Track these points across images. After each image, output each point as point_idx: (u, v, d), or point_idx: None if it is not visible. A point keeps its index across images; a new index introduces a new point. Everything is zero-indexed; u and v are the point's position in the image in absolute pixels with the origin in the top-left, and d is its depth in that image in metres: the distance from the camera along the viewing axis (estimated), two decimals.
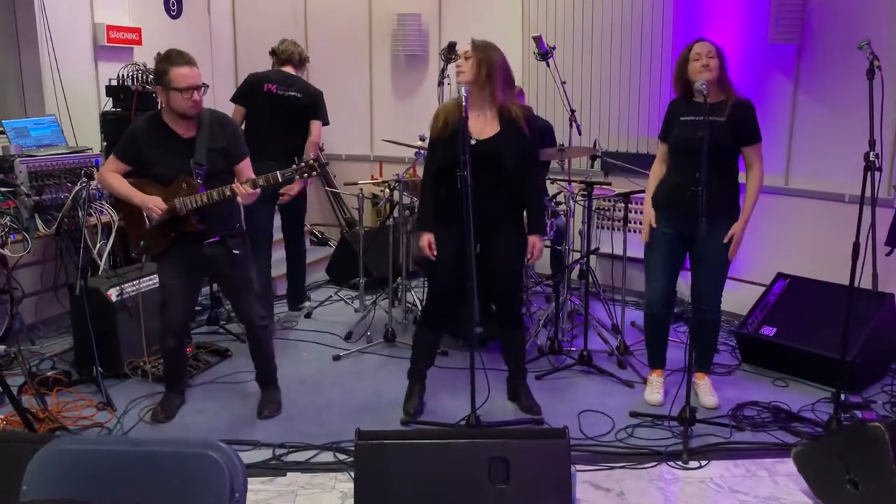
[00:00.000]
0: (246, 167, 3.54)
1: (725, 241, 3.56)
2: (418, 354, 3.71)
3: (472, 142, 3.15)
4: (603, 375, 4.17)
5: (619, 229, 5.35)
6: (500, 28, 6.07)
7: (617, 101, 5.62)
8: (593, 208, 4.62)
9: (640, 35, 5.41)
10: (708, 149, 3.23)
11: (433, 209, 3.48)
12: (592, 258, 4.65)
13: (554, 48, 5.04)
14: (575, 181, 4.44)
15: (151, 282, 4.22)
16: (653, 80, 5.41)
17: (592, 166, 4.93)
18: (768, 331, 4.26)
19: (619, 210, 5.24)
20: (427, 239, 3.46)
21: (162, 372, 3.86)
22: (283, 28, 6.73)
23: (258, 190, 3.32)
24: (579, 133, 5.22)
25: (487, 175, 3.27)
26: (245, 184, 3.30)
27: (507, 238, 3.51)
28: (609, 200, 5.44)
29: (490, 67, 3.35)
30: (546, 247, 5.24)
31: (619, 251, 4.82)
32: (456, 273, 3.45)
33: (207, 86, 3.39)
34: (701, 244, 3.31)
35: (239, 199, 3.34)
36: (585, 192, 4.16)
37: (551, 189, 5.10)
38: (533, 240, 3.53)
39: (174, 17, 6.10)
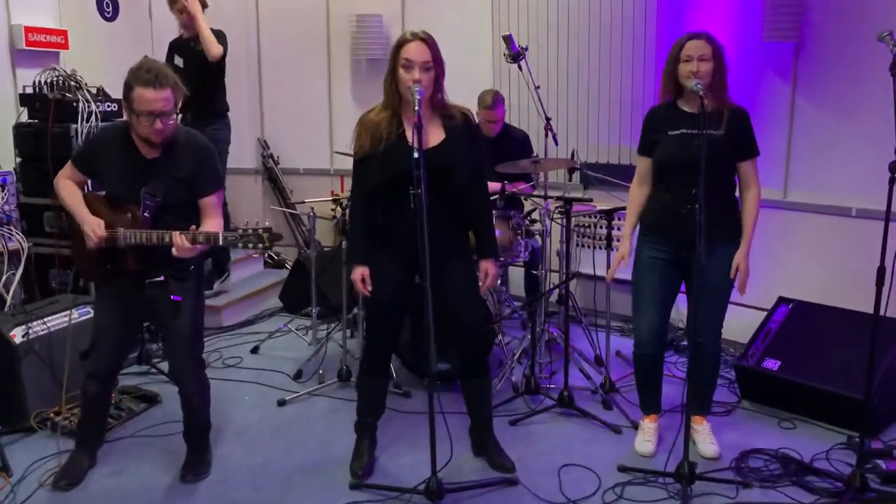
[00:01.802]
0: (212, 207, 2.95)
1: (732, 275, 3.06)
2: (364, 405, 3.17)
3: (416, 154, 2.62)
4: (586, 419, 3.64)
5: (601, 248, 4.84)
6: (468, 28, 5.59)
7: (596, 108, 5.13)
8: (573, 226, 4.12)
9: (621, 34, 4.92)
10: (707, 163, 2.74)
11: (366, 237, 2.95)
12: (572, 281, 4.14)
13: (526, 49, 4.54)
14: (551, 197, 3.91)
15: (65, 318, 3.65)
16: (635, 83, 4.92)
17: (571, 179, 4.42)
18: (771, 364, 3.76)
19: (602, 227, 4.73)
20: (360, 273, 2.94)
21: (76, 424, 3.29)
22: (232, 31, 6.16)
23: (196, 247, 2.76)
24: (556, 143, 4.72)
25: (436, 190, 2.74)
26: (184, 234, 2.74)
27: (459, 267, 2.99)
28: (590, 217, 4.93)
29: (440, 64, 2.84)
30: (519, 267, 4.72)
31: (601, 272, 4.29)
32: (397, 310, 2.98)
33: (177, 114, 2.84)
34: (699, 270, 2.82)
35: (174, 250, 2.75)
36: (563, 210, 3.63)
37: (525, 206, 4.59)
38: (486, 265, 3.03)
39: (109, 20, 5.52)
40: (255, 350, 4.67)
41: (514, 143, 4.70)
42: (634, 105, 4.95)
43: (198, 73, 4.98)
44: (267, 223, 2.77)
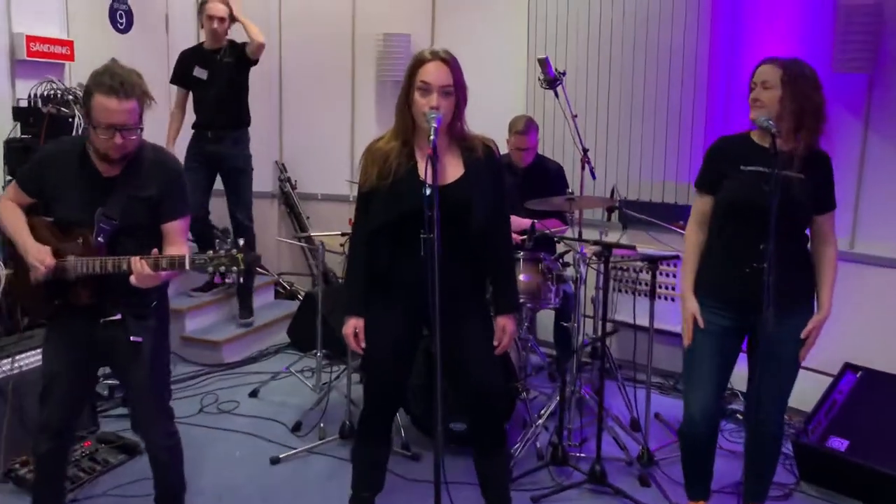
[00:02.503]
0: (177, 234, 2.53)
1: (803, 335, 2.57)
2: (359, 479, 2.71)
3: (429, 191, 2.20)
4: (621, 498, 3.15)
5: (642, 294, 4.37)
6: (501, 49, 5.19)
7: (639, 141, 4.67)
8: (611, 269, 3.66)
9: (669, 60, 4.47)
10: (781, 212, 2.27)
11: (365, 284, 2.52)
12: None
13: (564, 74, 4.12)
14: (587, 241, 3.45)
15: (38, 357, 3.27)
16: (683, 115, 4.46)
17: (609, 219, 3.96)
18: (838, 443, 3.24)
19: (644, 272, 4.25)
20: (353, 326, 2.51)
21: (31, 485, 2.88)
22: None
23: (160, 273, 2.36)
24: (593, 177, 4.28)
25: (450, 234, 2.33)
26: (145, 259, 2.34)
27: (475, 322, 2.55)
28: (631, 268, 4.46)
29: (462, 89, 2.42)
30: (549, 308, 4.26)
31: (642, 321, 3.82)
32: (398, 369, 2.55)
33: (141, 129, 2.45)
34: (765, 339, 2.35)
35: (132, 278, 2.35)
36: (601, 256, 3.18)
37: (557, 247, 4.14)
38: (503, 322, 2.58)
39: (122, 31, 5.22)
40: (253, 394, 4.25)
41: (547, 176, 4.26)
42: (682, 138, 4.49)
43: (228, 85, 4.80)
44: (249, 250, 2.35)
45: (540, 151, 4.42)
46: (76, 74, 4.77)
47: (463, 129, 2.47)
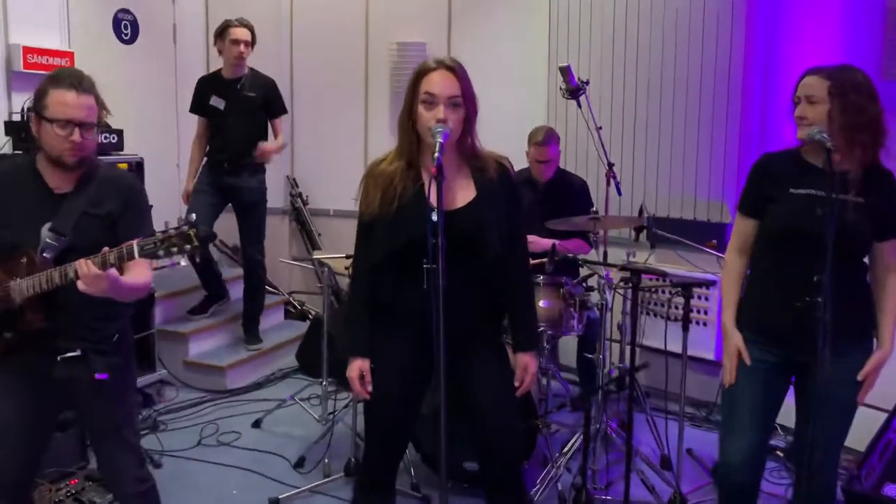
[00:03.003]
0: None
1: (860, 377, 2.26)
2: None
3: (436, 217, 1.94)
4: None
5: (674, 318, 4.08)
6: (521, 58, 4.95)
7: (668, 154, 4.37)
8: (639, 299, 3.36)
9: (700, 67, 4.18)
10: (837, 240, 1.98)
11: (369, 323, 2.25)
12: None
13: (587, 83, 3.87)
14: (614, 266, 3.16)
15: None
16: (716, 124, 4.16)
17: (637, 238, 3.67)
18: (893, 491, 2.91)
19: (673, 294, 3.95)
20: (358, 368, 2.23)
21: None
22: (264, 60, 5.64)
23: (110, 272, 2.06)
24: (619, 193, 4.02)
25: (461, 263, 2.08)
26: (93, 259, 2.05)
27: (489, 359, 2.27)
28: (660, 290, 4.17)
29: (471, 100, 2.16)
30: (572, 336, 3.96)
31: (674, 347, 3.51)
32: (404, 414, 2.28)
33: (97, 126, 2.23)
34: (819, 381, 2.05)
35: (79, 283, 2.04)
36: (630, 282, 2.89)
37: (580, 269, 3.85)
38: (525, 360, 2.30)
39: (127, 42, 5.04)
40: (256, 424, 4.00)
41: (570, 193, 3.98)
42: (714, 151, 4.19)
43: (248, 116, 4.56)
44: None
45: (562, 165, 4.15)
46: None
47: (474, 146, 2.21)
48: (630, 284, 2.86)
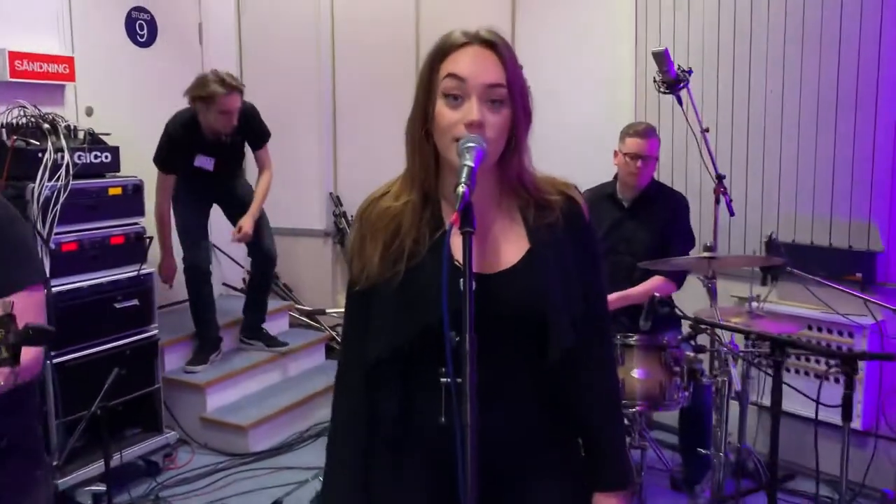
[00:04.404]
0: (23, 312, 1.50)
1: None
2: None
3: (463, 285, 1.15)
4: None
5: (811, 374, 3.14)
6: (601, 48, 4.05)
7: (793, 162, 3.41)
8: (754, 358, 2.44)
9: (838, 55, 3.21)
10: None
11: (359, 458, 1.41)
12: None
13: (690, 73, 3.00)
14: (739, 331, 2.24)
15: None
16: (859, 128, 3.19)
17: (766, 282, 2.73)
18: None
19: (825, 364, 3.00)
20: None
21: None
22: (302, 65, 4.96)
23: None
24: (731, 213, 3.14)
25: (505, 363, 1.31)
26: None
27: (552, 499, 1.40)
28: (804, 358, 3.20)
29: (523, 95, 1.32)
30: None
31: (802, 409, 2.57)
32: None
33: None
34: None
35: None
36: (772, 358, 1.97)
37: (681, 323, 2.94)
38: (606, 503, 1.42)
39: (143, 45, 4.40)
40: None
41: (665, 215, 3.10)
42: (857, 160, 3.21)
43: (234, 164, 4.06)
44: None
45: (655, 177, 3.27)
46: (81, 97, 3.98)
47: (524, 169, 1.36)
48: (769, 359, 1.94)
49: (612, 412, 1.45)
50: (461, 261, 1.17)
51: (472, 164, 1.18)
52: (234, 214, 4.00)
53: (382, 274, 1.33)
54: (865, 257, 3.21)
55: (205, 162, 3.84)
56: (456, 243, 1.19)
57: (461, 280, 1.15)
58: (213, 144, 3.81)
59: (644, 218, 3.11)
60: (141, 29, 4.37)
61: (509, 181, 1.35)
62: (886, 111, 3.11)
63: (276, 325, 4.50)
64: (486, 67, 1.26)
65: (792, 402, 3.01)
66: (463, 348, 1.12)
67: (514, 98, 1.27)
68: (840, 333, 3.23)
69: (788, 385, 2.00)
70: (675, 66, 2.90)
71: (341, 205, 5.14)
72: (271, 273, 4.27)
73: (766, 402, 3.26)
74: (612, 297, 2.92)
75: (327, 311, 3.64)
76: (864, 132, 3.17)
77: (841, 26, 3.19)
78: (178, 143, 3.75)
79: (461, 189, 1.14)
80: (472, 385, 1.11)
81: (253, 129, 3.93)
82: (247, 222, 3.84)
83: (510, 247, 1.34)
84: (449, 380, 1.14)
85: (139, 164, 3.73)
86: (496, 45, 1.28)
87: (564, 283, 1.31)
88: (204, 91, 3.63)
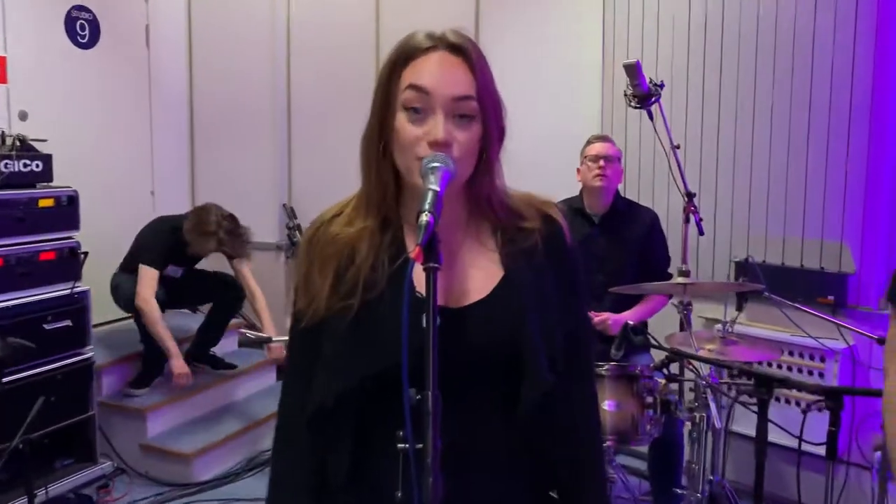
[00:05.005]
0: None
1: None
2: None
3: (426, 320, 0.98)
4: None
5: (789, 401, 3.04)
6: (568, 56, 3.92)
7: (764, 181, 3.32)
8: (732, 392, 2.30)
9: (811, 71, 3.13)
10: None
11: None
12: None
13: (661, 86, 2.86)
14: (720, 362, 2.11)
15: None
16: (832, 145, 3.11)
17: (741, 307, 2.61)
18: None
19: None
20: None
21: None
22: (257, 67, 4.74)
23: None
24: (700, 232, 3.01)
25: (476, 409, 1.13)
26: None
27: None
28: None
29: (495, 107, 1.14)
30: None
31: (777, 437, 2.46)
32: None
33: None
34: None
35: None
36: (758, 394, 1.83)
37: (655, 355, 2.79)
38: None
39: (84, 46, 4.14)
40: None
41: (639, 231, 3.00)
42: (830, 180, 3.13)
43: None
44: None
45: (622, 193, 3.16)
46: (15, 100, 3.71)
47: (496, 190, 1.18)
48: (757, 398, 1.80)
49: (595, 466, 1.27)
50: (419, 287, 1.00)
51: (437, 189, 1.01)
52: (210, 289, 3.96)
53: (333, 307, 1.15)
54: (837, 279, 3.12)
55: (174, 271, 3.76)
56: (420, 274, 1.01)
57: (423, 316, 0.98)
58: (189, 260, 3.81)
59: (615, 235, 2.99)
60: (82, 29, 4.11)
61: (479, 203, 1.17)
62: (858, 132, 3.03)
63: (223, 346, 4.24)
64: (453, 77, 1.09)
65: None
66: (425, 407, 0.95)
67: (485, 112, 1.10)
68: (812, 358, 3.13)
69: (772, 422, 1.87)
70: (647, 80, 2.76)
71: (295, 217, 4.91)
72: (240, 298, 4.01)
73: (738, 428, 3.19)
74: (615, 317, 2.82)
75: (274, 339, 3.40)
76: (837, 152, 3.09)
77: (814, 47, 3.11)
78: (164, 248, 3.65)
79: (424, 218, 0.97)
80: (434, 453, 0.93)
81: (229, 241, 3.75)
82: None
83: (480, 274, 1.16)
84: (407, 446, 0.96)
85: (77, 173, 3.48)
86: (465, 51, 1.11)
87: (543, 315, 1.14)
88: (205, 229, 3.62)
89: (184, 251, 3.70)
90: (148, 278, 3.53)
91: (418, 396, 0.95)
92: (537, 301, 1.15)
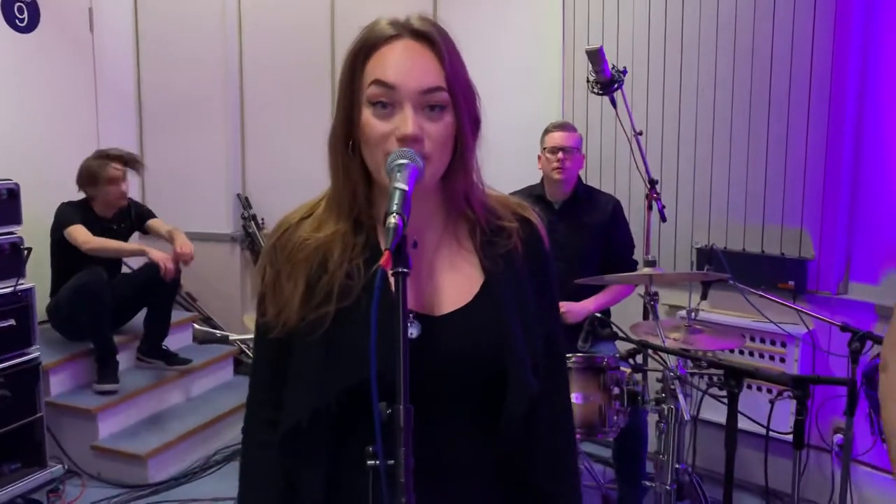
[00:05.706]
0: None
1: None
2: None
3: (412, 332, 0.95)
4: None
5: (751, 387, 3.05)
6: (528, 42, 3.87)
7: (725, 168, 3.32)
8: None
9: (770, 57, 3.13)
10: None
11: None
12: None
13: (624, 73, 2.83)
14: (689, 354, 2.09)
15: None
16: (792, 133, 3.12)
17: (705, 296, 2.60)
18: None
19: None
20: None
21: None
22: (209, 53, 4.58)
23: None
24: (663, 219, 3.01)
25: (454, 422, 1.08)
26: None
27: None
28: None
29: (469, 98, 1.08)
30: None
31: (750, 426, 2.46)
32: None
33: None
34: None
35: None
36: (722, 386, 1.81)
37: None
38: None
39: (23, 30, 3.94)
40: None
41: (600, 219, 2.98)
42: (789, 166, 3.14)
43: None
44: None
45: (584, 181, 3.13)
46: None
47: (473, 186, 1.12)
48: (726, 390, 1.77)
49: (571, 473, 1.23)
50: (398, 297, 0.94)
51: (404, 187, 0.94)
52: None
53: (303, 316, 1.07)
54: (797, 265, 3.14)
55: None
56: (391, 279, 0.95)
57: (411, 323, 0.93)
58: (104, 230, 3.65)
59: (576, 221, 2.97)
60: (21, 12, 3.91)
61: (456, 201, 1.11)
62: (818, 117, 3.04)
63: (177, 340, 4.11)
64: (420, 68, 1.02)
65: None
66: (397, 422, 0.89)
67: (457, 102, 1.04)
68: (773, 343, 3.15)
69: (741, 413, 1.86)
70: (610, 66, 2.73)
71: (250, 207, 4.79)
72: (178, 280, 3.88)
73: (706, 415, 3.20)
74: (574, 306, 2.78)
75: (231, 338, 3.30)
76: (797, 138, 3.10)
77: (773, 32, 3.11)
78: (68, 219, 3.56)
79: (392, 220, 0.90)
80: (407, 469, 0.88)
81: (139, 210, 3.87)
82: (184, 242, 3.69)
83: (460, 278, 1.10)
84: (378, 462, 0.90)
85: (17, 164, 3.32)
86: (431, 37, 1.05)
87: (524, 324, 1.09)
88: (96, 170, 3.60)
89: (95, 217, 3.63)
90: (79, 231, 3.49)
91: (388, 410, 0.89)
92: (519, 309, 1.10)
